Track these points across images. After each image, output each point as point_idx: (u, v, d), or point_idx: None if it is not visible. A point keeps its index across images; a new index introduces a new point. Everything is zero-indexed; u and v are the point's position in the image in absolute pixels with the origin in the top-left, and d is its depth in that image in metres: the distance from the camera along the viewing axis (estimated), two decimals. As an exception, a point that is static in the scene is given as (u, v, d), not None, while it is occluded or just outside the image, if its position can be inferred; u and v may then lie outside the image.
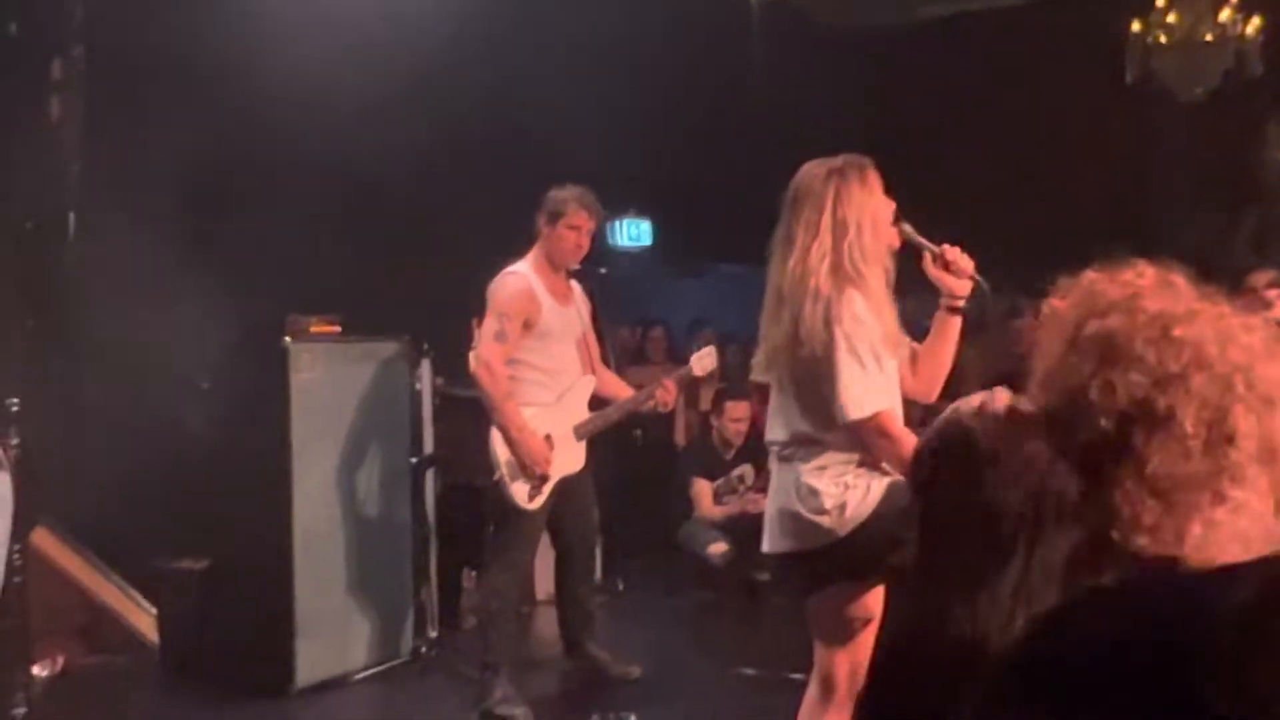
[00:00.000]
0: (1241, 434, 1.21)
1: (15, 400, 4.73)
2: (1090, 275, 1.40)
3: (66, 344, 6.08)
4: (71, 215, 6.10)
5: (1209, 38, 6.71)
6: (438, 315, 6.13)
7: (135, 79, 5.89)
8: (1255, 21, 6.82)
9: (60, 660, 5.38)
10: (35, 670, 4.94)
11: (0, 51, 5.82)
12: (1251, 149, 7.92)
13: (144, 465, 6.12)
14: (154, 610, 5.82)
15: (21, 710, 4.63)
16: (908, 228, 3.28)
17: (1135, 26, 6.87)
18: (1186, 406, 1.21)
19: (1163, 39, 6.70)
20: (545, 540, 5.22)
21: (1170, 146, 7.73)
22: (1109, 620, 0.96)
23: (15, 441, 4.69)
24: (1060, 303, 1.41)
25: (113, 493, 6.00)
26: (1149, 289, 1.34)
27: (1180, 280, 1.34)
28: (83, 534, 6.02)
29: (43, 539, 5.53)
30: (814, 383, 3.14)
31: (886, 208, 3.24)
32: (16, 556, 4.70)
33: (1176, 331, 1.25)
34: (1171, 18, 6.71)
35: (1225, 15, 6.76)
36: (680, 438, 7.94)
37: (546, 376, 4.89)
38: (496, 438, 4.78)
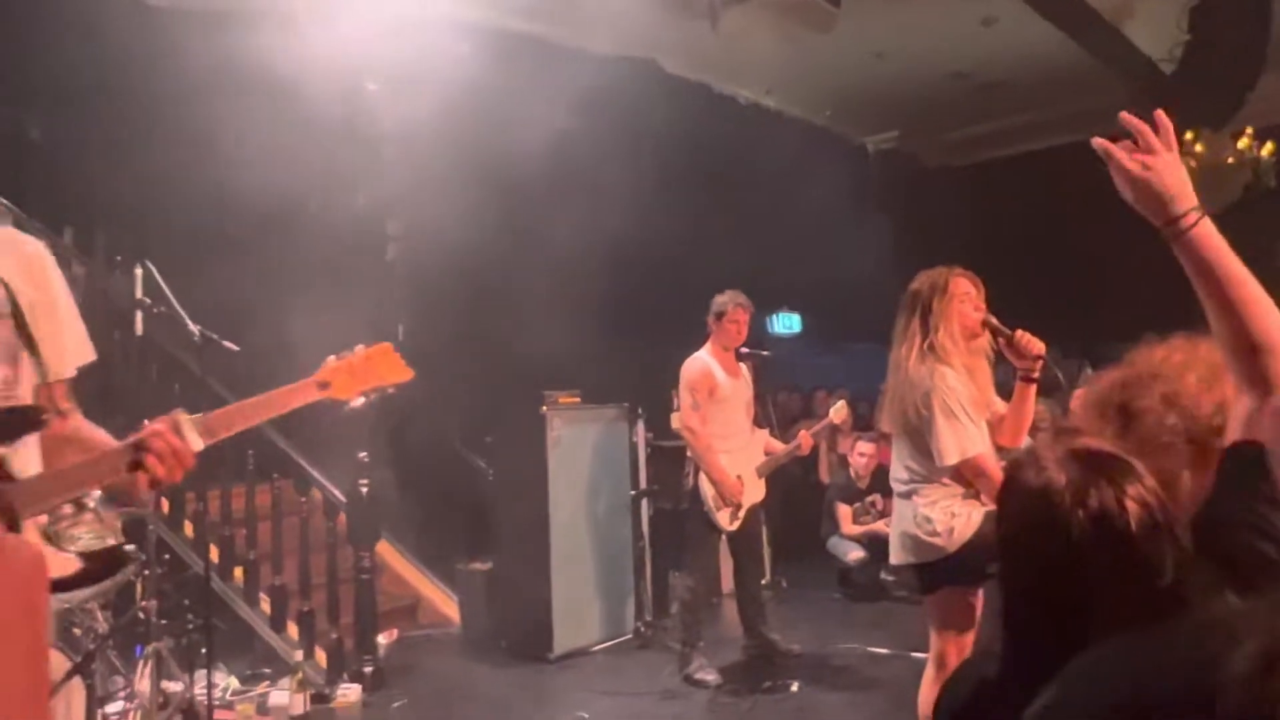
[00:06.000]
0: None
1: (365, 453, 5.01)
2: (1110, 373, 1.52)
3: (394, 410, 6.41)
4: (400, 326, 6.44)
5: (1230, 160, 6.34)
6: (646, 387, 6.21)
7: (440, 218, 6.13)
8: (1269, 146, 6.43)
9: (395, 632, 5.54)
10: (380, 639, 5.08)
11: (354, 220, 6.20)
12: (1266, 247, 7.40)
13: (448, 496, 6.37)
14: (456, 598, 5.97)
15: (370, 667, 4.80)
16: (992, 319, 3.22)
17: (1168, 156, 6.56)
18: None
19: (1192, 164, 6.37)
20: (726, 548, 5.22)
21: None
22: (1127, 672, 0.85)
23: (364, 481, 4.96)
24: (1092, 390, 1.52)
25: (427, 516, 6.25)
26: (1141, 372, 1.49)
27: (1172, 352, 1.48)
28: (409, 544, 6.24)
29: (383, 548, 5.74)
30: (922, 437, 3.10)
31: (969, 306, 3.18)
32: (366, 561, 4.97)
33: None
34: (1199, 148, 6.37)
35: (1243, 143, 6.38)
36: (824, 474, 7.82)
37: (724, 429, 4.88)
38: (704, 480, 4.80)
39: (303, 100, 5.28)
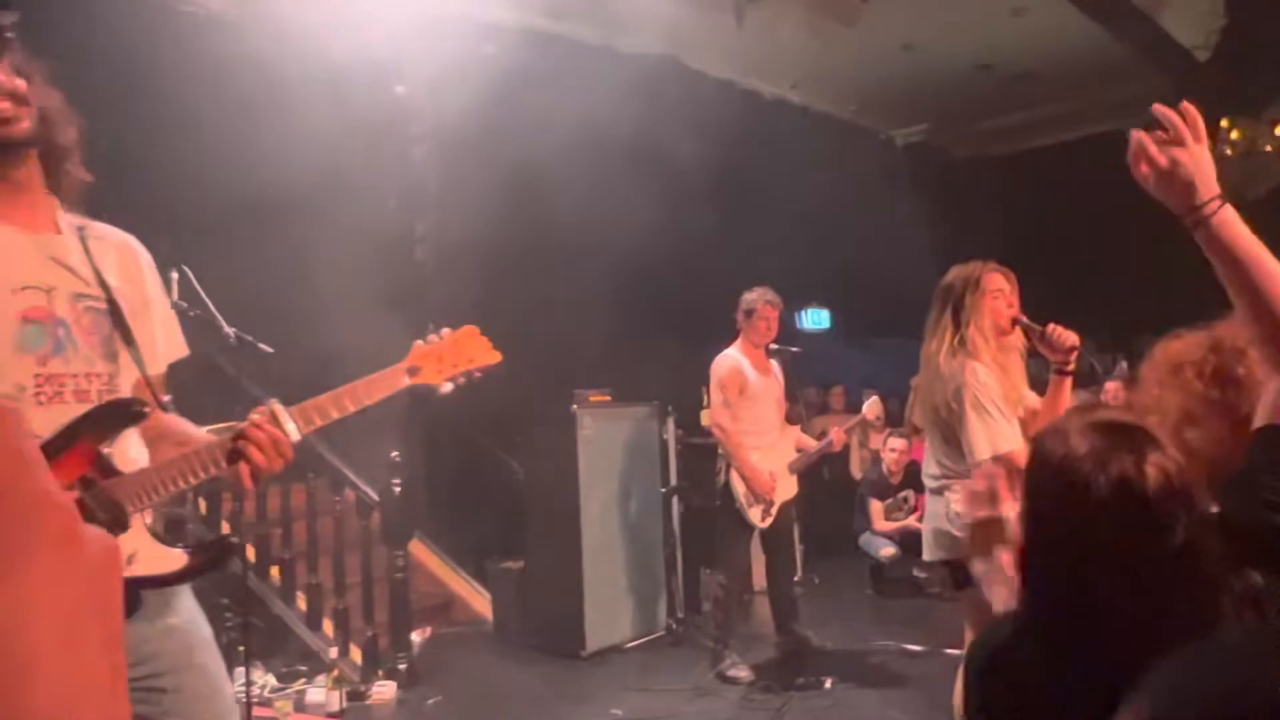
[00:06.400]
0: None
1: (397, 453, 5.03)
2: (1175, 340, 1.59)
3: (425, 409, 6.44)
4: (430, 326, 6.50)
5: (1268, 148, 6.20)
6: (676, 384, 6.19)
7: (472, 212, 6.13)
8: (1308, 132, 6.30)
9: (429, 630, 5.57)
10: (413, 636, 5.10)
11: (383, 220, 6.25)
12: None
13: (480, 495, 6.39)
14: (488, 596, 5.98)
15: (404, 664, 4.84)
16: (1022, 318, 3.18)
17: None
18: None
19: (1229, 152, 6.22)
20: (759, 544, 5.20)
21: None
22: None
23: (397, 481, 4.98)
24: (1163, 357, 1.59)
25: (459, 514, 6.28)
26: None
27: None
28: (441, 543, 6.25)
29: (416, 547, 5.76)
30: (953, 433, 3.07)
31: (1001, 302, 3.14)
32: (400, 560, 5.01)
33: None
34: (1234, 135, 6.24)
35: (1280, 130, 6.27)
36: (855, 470, 7.77)
37: (754, 425, 4.87)
38: (735, 477, 4.78)
39: (333, 103, 5.33)
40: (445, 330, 1.84)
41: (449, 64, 5.56)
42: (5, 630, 0.43)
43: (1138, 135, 1.43)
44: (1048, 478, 1.26)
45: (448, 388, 1.83)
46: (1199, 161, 1.40)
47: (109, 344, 1.69)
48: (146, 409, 1.65)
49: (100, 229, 1.79)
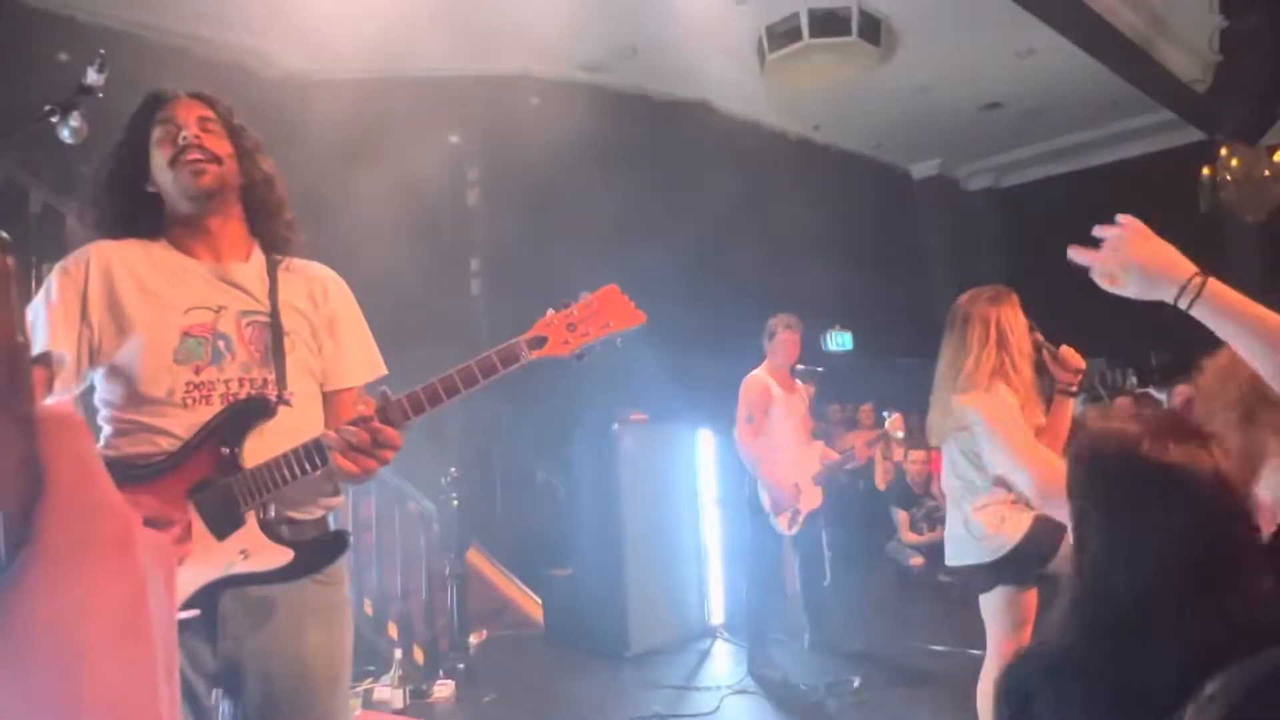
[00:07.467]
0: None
1: (454, 469, 5.12)
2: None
3: (482, 429, 6.52)
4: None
5: (1266, 173, 6.10)
6: (709, 404, 6.21)
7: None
8: (1303, 159, 6.19)
9: (484, 633, 5.63)
10: (471, 639, 5.17)
11: (439, 256, 6.35)
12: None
13: (531, 508, 6.45)
14: (540, 601, 6.03)
15: (462, 665, 4.91)
16: (1038, 335, 3.17)
17: (1205, 171, 6.34)
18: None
19: (1229, 178, 6.12)
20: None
21: (1241, 254, 6.94)
22: None
23: (455, 495, 5.05)
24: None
25: (512, 524, 6.32)
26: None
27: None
28: (496, 551, 6.34)
29: (473, 556, 5.87)
30: (971, 448, 3.05)
31: (1019, 323, 3.13)
32: (458, 567, 5.06)
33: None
34: (1234, 162, 6.14)
35: (1278, 156, 6.15)
36: (880, 482, 7.71)
37: (781, 440, 4.89)
38: (763, 489, 4.82)
39: (392, 153, 5.46)
40: (584, 293, 1.68)
41: (498, 114, 5.68)
42: (63, 628, 0.44)
43: (1082, 254, 1.38)
44: (1098, 455, 1.20)
45: (578, 356, 1.67)
46: (1159, 252, 1.35)
47: (266, 354, 1.71)
48: (275, 405, 1.66)
49: (297, 263, 1.84)
